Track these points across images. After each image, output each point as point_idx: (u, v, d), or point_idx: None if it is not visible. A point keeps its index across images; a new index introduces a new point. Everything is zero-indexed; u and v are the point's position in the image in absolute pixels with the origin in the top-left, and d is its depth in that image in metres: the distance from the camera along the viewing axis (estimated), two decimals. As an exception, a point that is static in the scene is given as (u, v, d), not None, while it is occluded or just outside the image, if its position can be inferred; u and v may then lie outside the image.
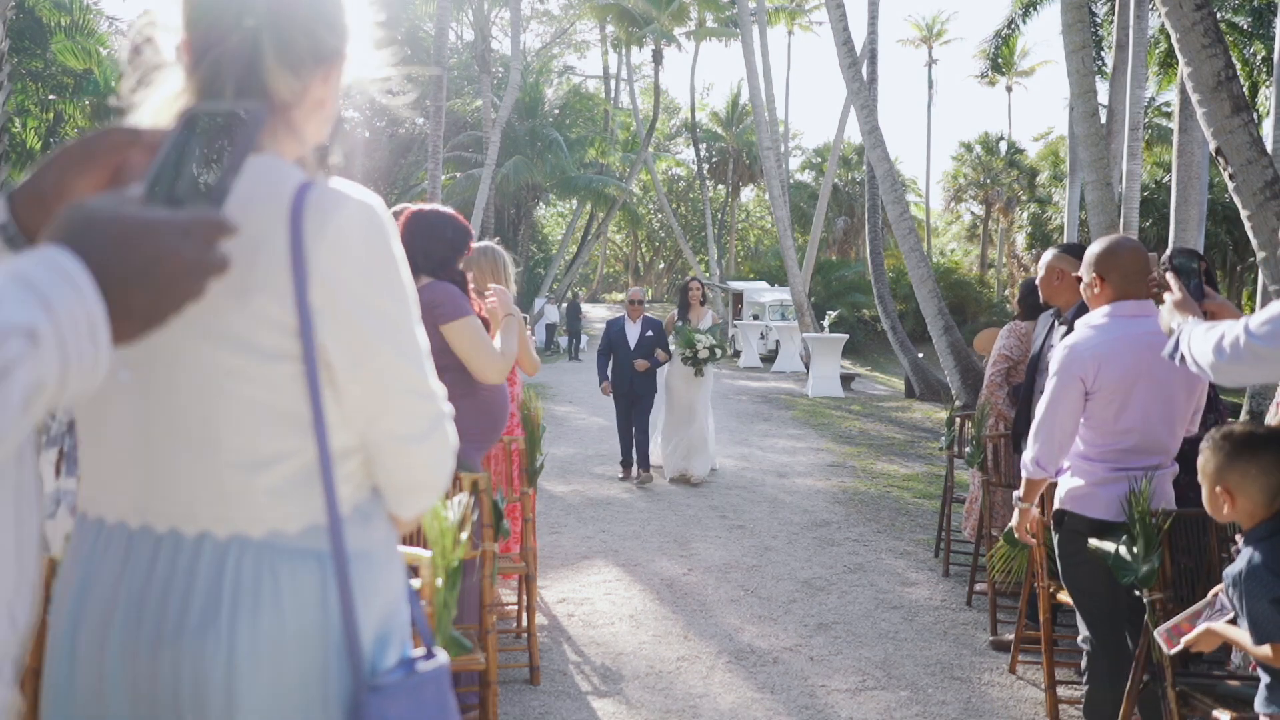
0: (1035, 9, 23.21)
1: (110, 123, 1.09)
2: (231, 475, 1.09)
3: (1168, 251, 2.60)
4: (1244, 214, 5.16)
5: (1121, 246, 2.90)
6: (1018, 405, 4.33)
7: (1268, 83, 19.48)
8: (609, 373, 8.22)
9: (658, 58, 29.11)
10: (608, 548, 5.97)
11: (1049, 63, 59.24)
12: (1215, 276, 4.79)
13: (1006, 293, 39.52)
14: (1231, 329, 1.96)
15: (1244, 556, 2.17)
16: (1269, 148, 7.34)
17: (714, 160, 43.40)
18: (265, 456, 1.10)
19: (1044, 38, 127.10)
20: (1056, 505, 2.99)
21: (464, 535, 2.44)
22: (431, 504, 1.28)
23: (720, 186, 44.72)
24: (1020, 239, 40.25)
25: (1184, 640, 2.34)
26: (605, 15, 29.34)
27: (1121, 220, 11.47)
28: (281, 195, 1.07)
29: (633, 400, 8.08)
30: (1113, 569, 2.71)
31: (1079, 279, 3.32)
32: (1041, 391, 3.87)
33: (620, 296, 48.86)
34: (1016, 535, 3.20)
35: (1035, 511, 3.16)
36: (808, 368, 18.79)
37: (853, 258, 39.69)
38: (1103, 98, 14.34)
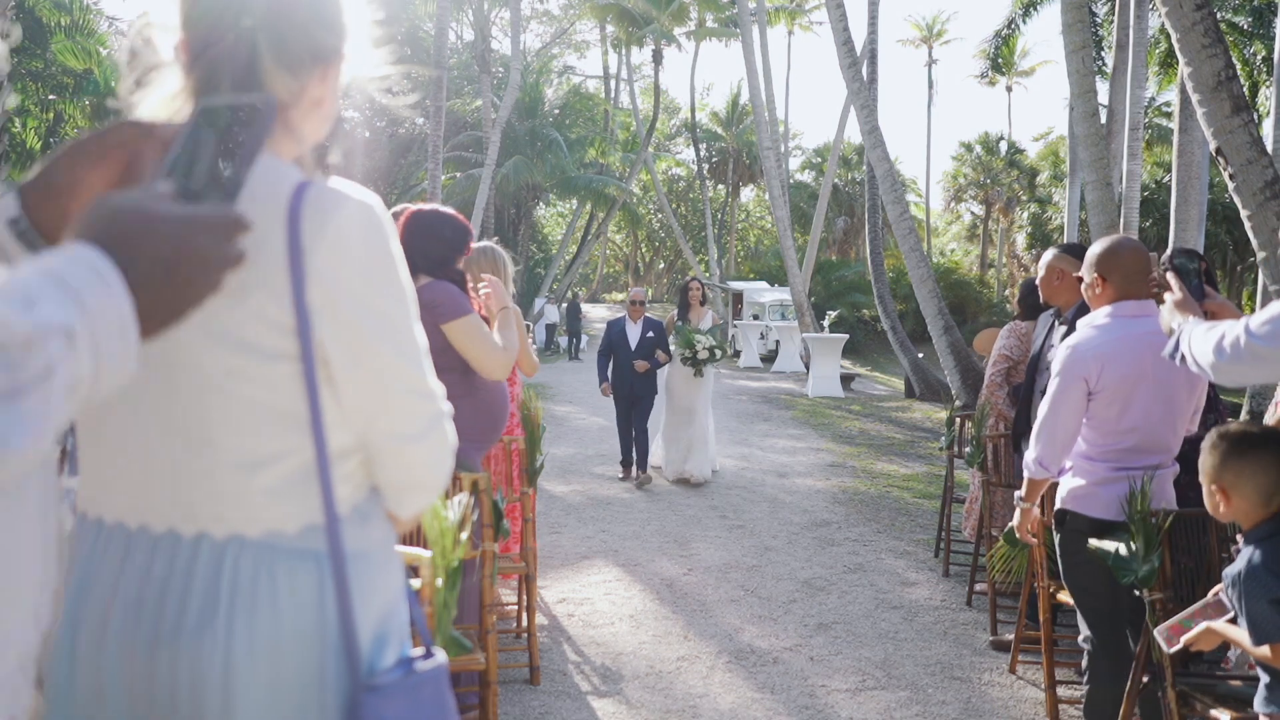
0: (1035, 9, 23.21)
1: (118, 119, 1.09)
2: (229, 475, 1.09)
3: (1168, 251, 2.60)
4: (1244, 214, 5.16)
5: (1123, 247, 2.91)
6: (1018, 405, 4.34)
7: (1268, 83, 19.48)
8: (609, 374, 8.19)
9: (658, 58, 29.12)
10: (608, 548, 5.97)
11: (1049, 63, 59.30)
12: (1215, 276, 4.79)
13: (1006, 293, 39.52)
14: (1232, 329, 1.96)
15: (1244, 556, 2.17)
16: (1269, 148, 7.34)
17: (714, 160, 43.40)
18: (263, 456, 1.10)
19: (1044, 38, 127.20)
20: (1058, 505, 2.99)
21: (464, 535, 2.44)
22: (430, 503, 1.28)
23: (720, 186, 44.72)
24: (1020, 239, 40.25)
25: (1183, 639, 2.34)
26: (605, 15, 29.35)
27: (1121, 220, 11.47)
28: (279, 195, 1.07)
29: (632, 401, 8.05)
30: (1113, 569, 2.71)
31: (1079, 279, 3.33)
32: (1042, 391, 3.88)
33: (620, 296, 48.85)
34: (1018, 535, 3.20)
35: (1037, 511, 3.16)
36: (808, 368, 18.79)
37: (853, 258, 39.69)
38: (1103, 98, 14.34)
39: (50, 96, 13.76)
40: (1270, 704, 2.11)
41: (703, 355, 7.92)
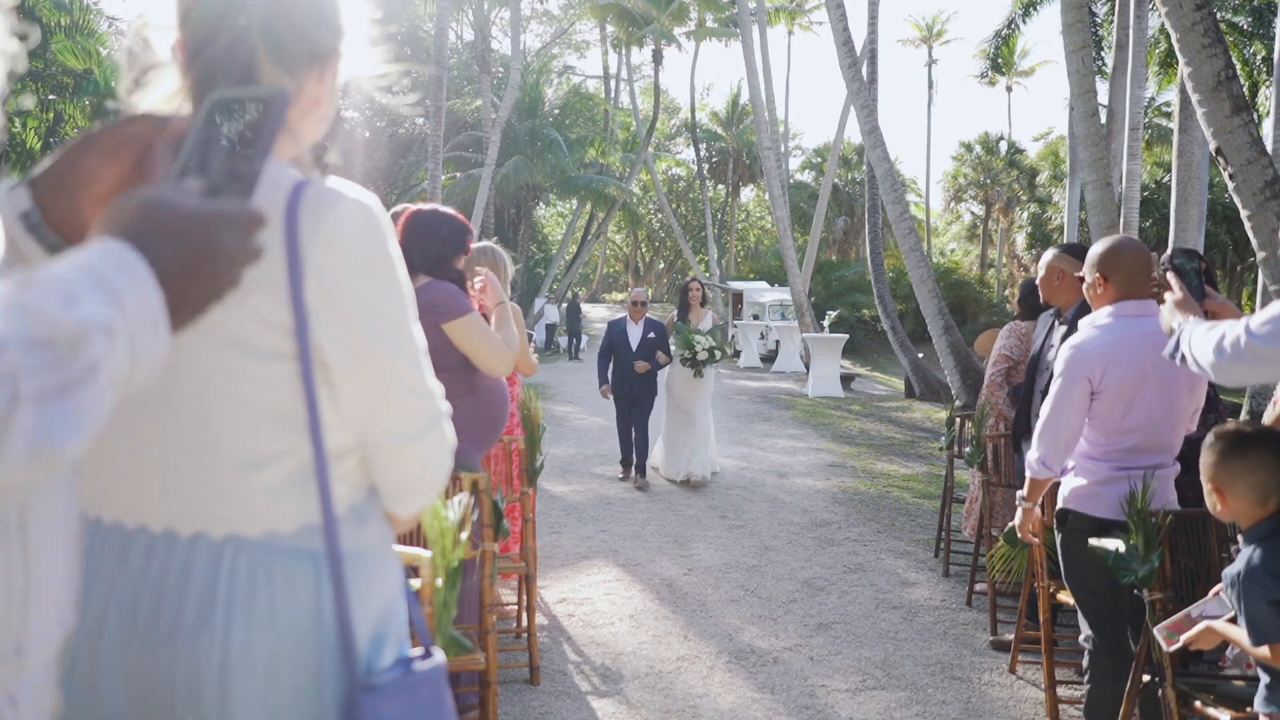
0: (1035, 9, 23.22)
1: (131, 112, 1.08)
2: (228, 475, 1.09)
3: (1168, 251, 2.61)
4: (1244, 214, 5.16)
5: (1124, 247, 2.91)
6: (1018, 405, 4.34)
7: (1268, 83, 19.48)
8: (609, 375, 8.15)
9: (658, 58, 29.11)
10: (608, 548, 5.97)
11: (1049, 63, 59.30)
12: (1215, 276, 4.79)
13: (1006, 293, 39.53)
14: (1232, 329, 1.96)
15: (1243, 556, 2.18)
16: (1269, 148, 7.34)
17: (714, 160, 43.39)
18: (262, 456, 1.10)
19: (1044, 38, 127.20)
20: (1060, 504, 2.99)
21: (464, 535, 2.44)
22: (429, 503, 1.28)
23: (720, 186, 44.71)
24: (1020, 239, 40.25)
25: (1183, 638, 2.34)
26: (605, 15, 29.34)
27: (1121, 220, 11.47)
28: (277, 194, 1.07)
29: (632, 402, 8.01)
30: (1113, 569, 2.71)
31: (1080, 279, 3.33)
32: (1041, 391, 3.88)
33: (621, 296, 48.83)
34: (1019, 534, 3.20)
35: (1038, 511, 3.16)
36: (808, 368, 18.79)
37: (853, 258, 39.69)
38: (1103, 98, 14.34)
39: (50, 96, 13.76)
40: (1270, 704, 2.11)
41: (702, 356, 7.87)
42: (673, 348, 8.01)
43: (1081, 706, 3.17)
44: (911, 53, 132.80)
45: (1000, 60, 31.06)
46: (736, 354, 23.64)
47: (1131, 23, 13.40)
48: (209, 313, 0.84)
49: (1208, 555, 2.86)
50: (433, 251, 3.13)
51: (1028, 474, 3.03)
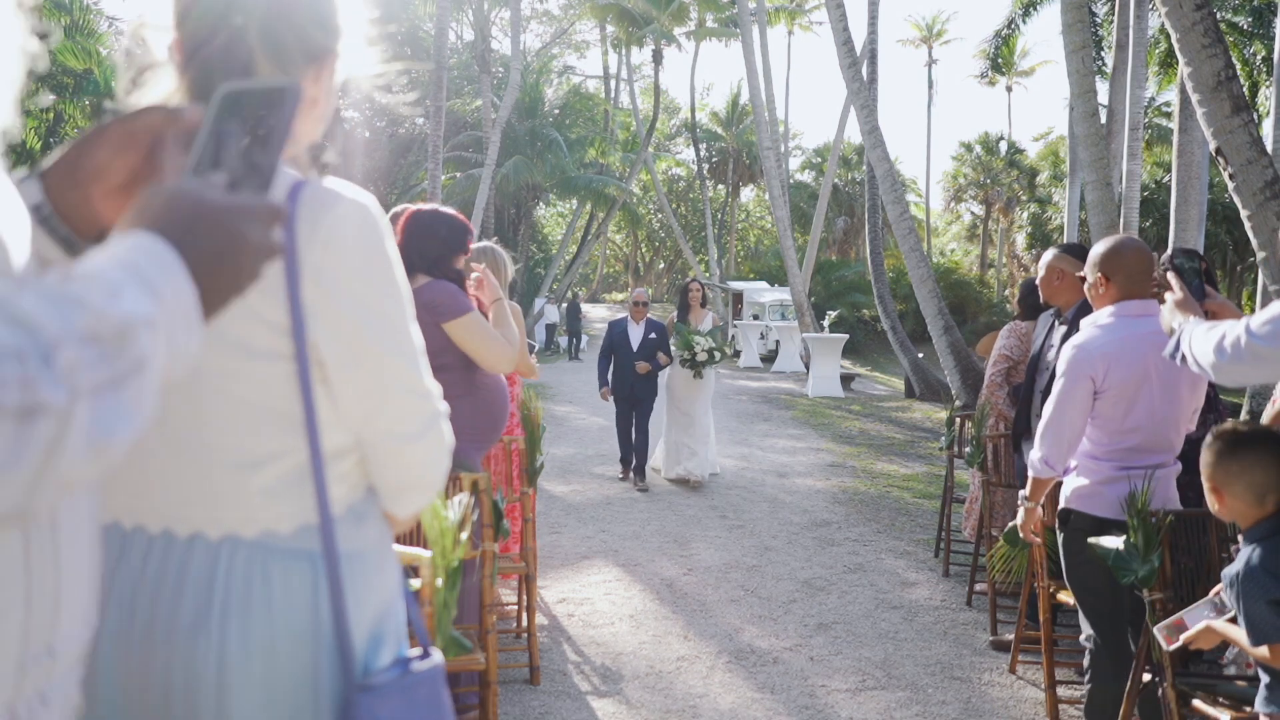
0: (1035, 9, 23.21)
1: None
2: (226, 475, 1.09)
3: (1168, 251, 2.61)
4: (1244, 214, 5.16)
5: (1126, 246, 2.92)
6: (1018, 405, 4.34)
7: (1268, 83, 19.47)
8: (609, 375, 8.10)
9: (658, 58, 29.09)
10: (608, 548, 5.97)
11: (1049, 63, 59.27)
12: (1215, 276, 4.79)
13: (1006, 293, 39.53)
14: (1232, 329, 1.96)
15: (1242, 556, 2.18)
16: (1269, 148, 7.34)
17: (714, 160, 43.39)
18: (260, 456, 1.10)
19: (1044, 38, 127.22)
20: (1062, 504, 3.00)
21: (464, 535, 2.44)
22: (427, 503, 1.28)
23: (720, 186, 44.71)
24: (1020, 239, 40.25)
25: (1183, 637, 2.34)
26: (605, 15, 29.32)
27: (1121, 220, 11.47)
28: (274, 194, 1.07)
29: (633, 403, 7.98)
30: (1113, 569, 2.71)
31: (1081, 279, 3.33)
32: (1041, 391, 3.88)
33: (621, 297, 48.82)
34: (1021, 534, 3.21)
35: (1040, 511, 3.16)
36: (808, 368, 18.79)
37: (853, 258, 39.69)
38: (1103, 98, 14.34)
39: (50, 96, 13.76)
40: (1270, 704, 2.11)
41: (701, 357, 7.81)
42: (673, 349, 7.98)
43: (1082, 706, 3.17)
44: (911, 53, 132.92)
45: (1000, 60, 31.06)
46: (736, 354, 23.64)
47: (1131, 23, 13.39)
48: (231, 308, 0.84)
49: (1208, 555, 2.86)
50: (431, 251, 3.12)
51: (1030, 473, 3.03)
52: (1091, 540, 2.80)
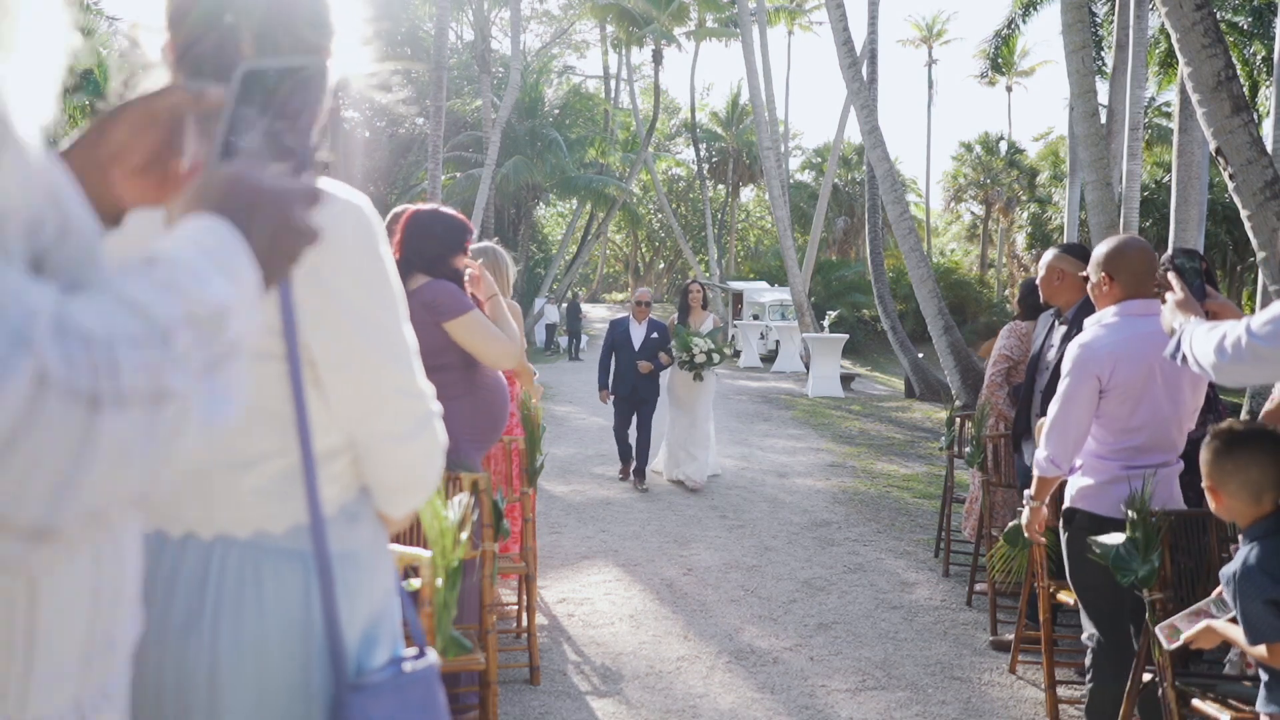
0: (1035, 9, 23.22)
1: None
2: (219, 475, 1.09)
3: (1168, 252, 2.61)
4: (1244, 214, 5.16)
5: (1130, 246, 2.93)
6: (1018, 405, 4.34)
7: (1268, 83, 19.48)
8: (610, 376, 8.04)
9: (658, 58, 29.09)
10: (608, 548, 5.97)
11: (1049, 63, 59.27)
12: (1215, 276, 4.78)
13: (1006, 293, 39.53)
14: (1233, 329, 1.96)
15: (1240, 555, 2.18)
16: (1269, 148, 7.33)
17: (714, 160, 43.39)
18: (252, 456, 1.10)
19: (1044, 38, 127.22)
20: (1067, 503, 3.00)
21: (464, 535, 2.44)
22: (421, 503, 1.28)
23: (720, 186, 44.71)
24: (1020, 239, 40.26)
25: (1183, 637, 2.35)
26: (605, 15, 29.31)
27: (1121, 220, 11.47)
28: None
29: (635, 403, 7.92)
30: (1113, 568, 2.71)
31: (1083, 279, 3.33)
32: (1041, 391, 3.88)
33: (621, 297, 48.83)
34: (1025, 533, 3.21)
35: (1046, 510, 3.16)
36: (808, 368, 18.80)
37: (853, 258, 39.70)
38: (1103, 98, 14.34)
39: (50, 96, 13.74)
40: (1270, 703, 2.11)
41: (700, 359, 7.73)
42: (672, 350, 7.91)
43: (1082, 706, 3.17)
44: (911, 53, 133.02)
45: (1000, 60, 31.06)
46: (736, 354, 23.65)
47: (1131, 23, 13.39)
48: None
49: (1208, 555, 2.86)
50: (429, 251, 3.12)
51: (1035, 472, 3.03)
52: (1091, 539, 2.81)
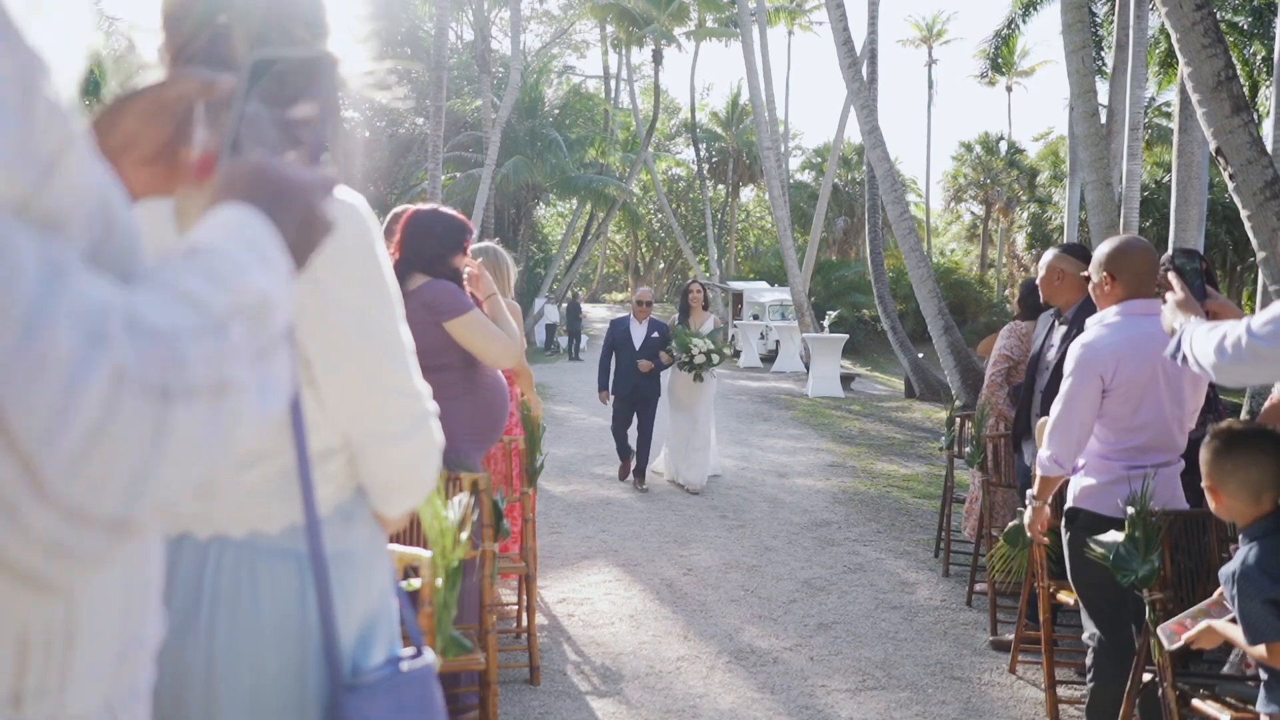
0: (1035, 9, 23.21)
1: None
2: (215, 475, 1.09)
3: (1169, 252, 2.61)
4: (1244, 214, 5.15)
5: (1132, 246, 2.93)
6: (1018, 405, 4.34)
7: (1268, 83, 19.48)
8: (610, 376, 8.00)
9: (658, 58, 29.08)
10: (608, 548, 5.97)
11: (1049, 63, 59.26)
12: (1215, 276, 4.78)
13: (1006, 293, 39.53)
14: (1233, 329, 1.96)
15: (1239, 555, 2.18)
16: (1269, 148, 7.33)
17: (714, 160, 43.38)
18: (246, 456, 1.10)
19: (1044, 38, 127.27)
20: (1070, 503, 3.00)
21: (464, 535, 2.44)
22: (418, 503, 1.28)
23: (720, 186, 44.70)
24: (1020, 239, 40.26)
25: (1184, 637, 2.35)
26: (605, 15, 29.30)
27: (1121, 220, 11.47)
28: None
29: (636, 403, 7.88)
30: (1113, 569, 2.71)
31: (1084, 279, 3.33)
32: (1041, 391, 3.88)
33: (621, 297, 48.81)
34: (1028, 532, 3.21)
35: (1048, 510, 3.17)
36: (808, 368, 18.80)
37: (853, 258, 39.70)
38: (1103, 98, 14.33)
39: (50, 96, 13.74)
40: (1270, 703, 2.11)
41: (699, 360, 7.66)
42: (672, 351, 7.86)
43: (1082, 707, 3.17)
44: (911, 53, 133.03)
45: (1000, 60, 31.06)
46: (736, 354, 23.65)
47: (1131, 23, 13.39)
48: None
49: (1208, 555, 2.86)
50: (428, 250, 3.12)
51: (1039, 471, 3.03)
52: (1091, 539, 2.81)
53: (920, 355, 17.26)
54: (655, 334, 7.88)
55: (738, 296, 28.83)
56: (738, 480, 8.42)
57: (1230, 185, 5.09)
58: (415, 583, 2.38)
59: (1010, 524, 3.76)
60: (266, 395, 0.69)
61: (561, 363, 22.95)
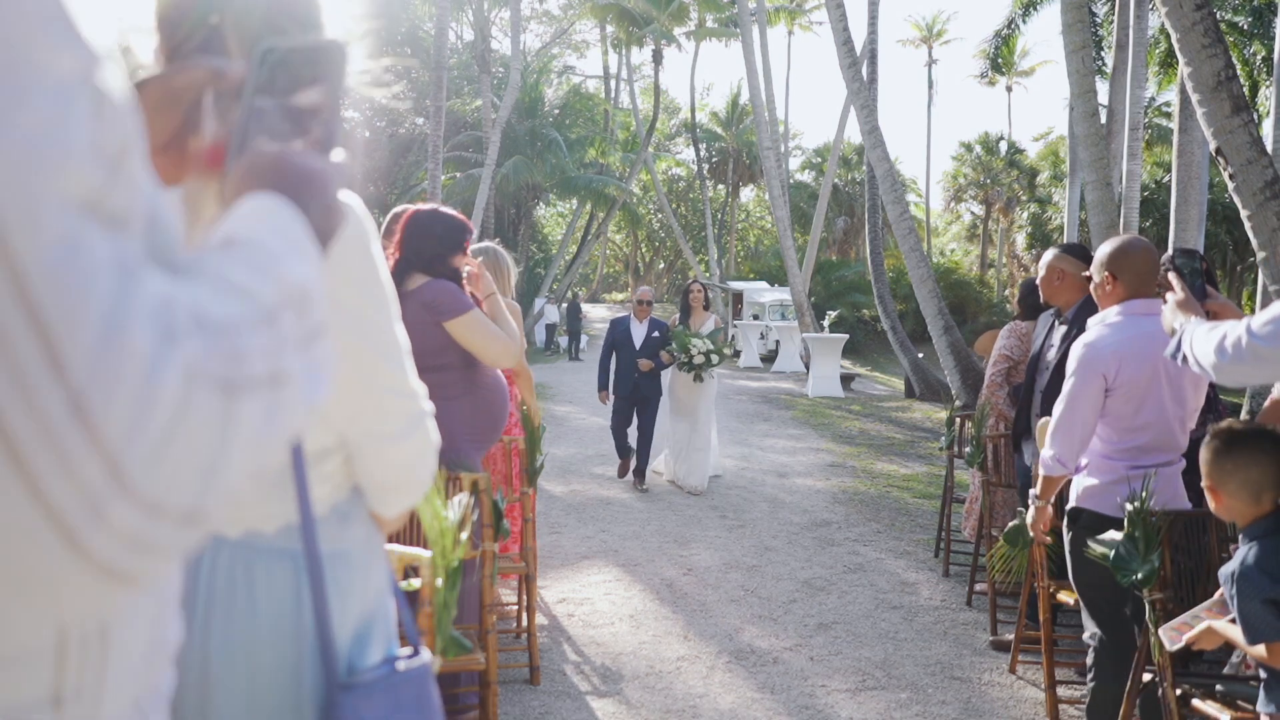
0: (1035, 9, 23.21)
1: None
2: None
3: (1169, 252, 2.61)
4: (1244, 214, 5.15)
5: (1133, 246, 2.94)
6: (1018, 405, 4.34)
7: (1268, 83, 19.48)
8: (610, 376, 7.98)
9: (658, 58, 29.08)
10: (608, 548, 5.97)
11: (1049, 63, 59.33)
12: (1215, 276, 4.78)
13: (1006, 293, 39.53)
14: (1233, 329, 1.96)
15: (1239, 555, 2.18)
16: (1269, 148, 7.32)
17: (714, 160, 43.38)
18: None
19: (1044, 38, 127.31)
20: (1072, 502, 3.01)
21: (464, 535, 2.44)
22: (414, 503, 1.28)
23: (720, 186, 44.70)
24: (1020, 239, 40.26)
25: (1185, 638, 2.35)
26: (605, 15, 29.30)
27: (1121, 220, 11.46)
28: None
29: (636, 402, 7.85)
30: (1113, 569, 2.71)
31: (1084, 279, 3.33)
32: (1041, 391, 3.88)
33: (621, 297, 48.82)
34: (1031, 532, 3.21)
35: (1051, 510, 3.17)
36: (808, 368, 18.80)
37: (853, 258, 39.70)
38: (1103, 98, 14.33)
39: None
40: (1270, 703, 2.11)
41: (698, 360, 7.63)
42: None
43: (1082, 707, 3.17)
44: (911, 53, 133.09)
45: (1000, 60, 31.07)
46: (736, 354, 23.65)
47: (1131, 23, 13.39)
48: None
49: (1208, 555, 2.86)
50: (428, 250, 3.12)
51: (1041, 471, 3.03)
52: (1091, 541, 2.81)
53: (920, 355, 17.27)
54: (655, 333, 7.85)
55: (738, 296, 28.83)
56: (738, 480, 8.42)
57: (1230, 185, 5.09)
58: (415, 583, 2.38)
59: (1010, 524, 3.76)
60: (313, 383, 0.69)
61: (561, 363, 22.95)
